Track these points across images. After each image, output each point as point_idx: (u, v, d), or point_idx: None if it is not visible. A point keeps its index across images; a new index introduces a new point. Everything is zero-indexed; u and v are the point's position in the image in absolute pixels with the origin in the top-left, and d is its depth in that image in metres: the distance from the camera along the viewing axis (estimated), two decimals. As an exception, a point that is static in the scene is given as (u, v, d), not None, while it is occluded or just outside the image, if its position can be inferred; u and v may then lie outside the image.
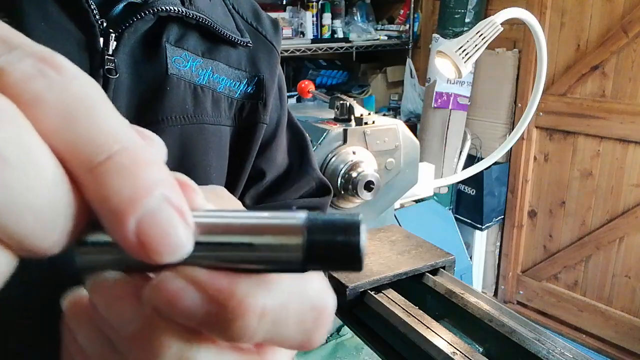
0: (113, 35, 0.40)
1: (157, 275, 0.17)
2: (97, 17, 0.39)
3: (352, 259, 0.17)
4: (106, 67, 0.40)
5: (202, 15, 0.45)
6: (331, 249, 0.17)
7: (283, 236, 0.17)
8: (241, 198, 0.56)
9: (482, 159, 1.88)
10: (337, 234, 0.17)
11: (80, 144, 0.15)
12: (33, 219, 0.14)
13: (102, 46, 0.40)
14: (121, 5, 0.42)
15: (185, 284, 0.17)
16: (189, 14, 0.44)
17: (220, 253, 0.17)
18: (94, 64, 0.40)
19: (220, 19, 0.48)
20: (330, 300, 0.20)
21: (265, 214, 0.18)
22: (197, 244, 0.17)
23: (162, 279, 0.17)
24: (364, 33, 2.92)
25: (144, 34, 0.43)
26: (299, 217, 0.17)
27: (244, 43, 0.50)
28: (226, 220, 0.17)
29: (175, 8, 0.43)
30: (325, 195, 0.64)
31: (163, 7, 0.42)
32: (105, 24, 0.40)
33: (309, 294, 0.19)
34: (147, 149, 0.16)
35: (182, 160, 0.46)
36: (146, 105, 0.43)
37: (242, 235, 0.17)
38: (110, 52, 0.40)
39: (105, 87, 0.40)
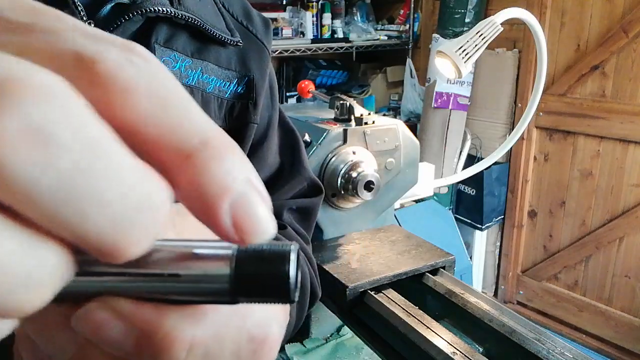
0: None
1: (83, 306, 0.16)
2: (85, 18, 0.39)
3: (280, 291, 0.17)
4: None
5: (191, 15, 0.44)
6: (258, 280, 0.17)
7: (210, 267, 0.17)
8: None
9: (482, 159, 1.88)
10: (264, 265, 0.17)
11: (175, 132, 0.15)
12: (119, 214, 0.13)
13: None
14: (109, 6, 0.42)
15: (109, 315, 0.16)
16: (178, 14, 0.43)
17: (147, 284, 0.17)
18: None
19: (210, 18, 0.47)
20: (272, 330, 0.19)
21: (197, 243, 0.17)
22: (123, 275, 0.16)
23: (87, 309, 0.16)
24: (364, 33, 2.92)
25: (133, 35, 0.43)
26: (229, 246, 0.17)
27: (234, 42, 0.49)
28: (152, 250, 0.17)
29: (164, 8, 0.42)
30: (316, 195, 0.63)
31: (151, 8, 0.41)
32: (93, 25, 0.39)
33: (247, 325, 0.18)
34: (226, 135, 0.16)
35: None
36: None
37: (168, 266, 0.17)
38: None
39: None
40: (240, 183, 0.16)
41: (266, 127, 0.57)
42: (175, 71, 0.45)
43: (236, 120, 0.51)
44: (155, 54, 0.43)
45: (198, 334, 0.17)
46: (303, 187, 0.61)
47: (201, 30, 0.46)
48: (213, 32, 0.47)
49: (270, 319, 0.19)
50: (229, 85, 0.50)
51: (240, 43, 0.50)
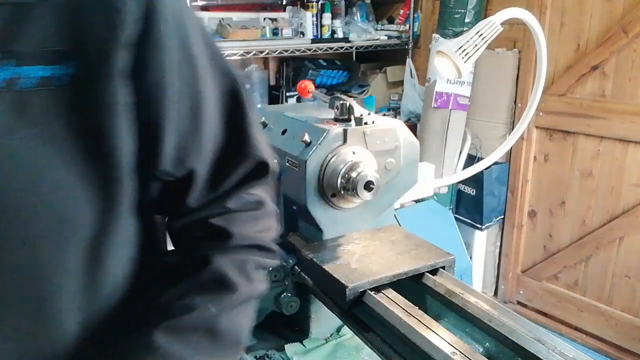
0: None
1: None
2: None
3: None
4: None
5: None
6: None
7: None
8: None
9: (482, 159, 1.88)
10: None
11: None
12: None
13: None
14: None
15: None
16: None
17: None
18: None
19: None
20: None
21: None
22: None
23: None
24: (364, 33, 2.92)
25: None
26: None
27: None
28: None
29: None
30: (262, 176, 0.55)
31: None
32: None
33: None
34: None
35: None
36: None
37: None
38: None
39: None
40: None
41: (192, 109, 0.48)
42: None
43: (85, 104, 0.41)
44: None
45: None
46: (249, 169, 0.54)
47: None
48: None
49: None
50: (59, 69, 0.40)
51: None
